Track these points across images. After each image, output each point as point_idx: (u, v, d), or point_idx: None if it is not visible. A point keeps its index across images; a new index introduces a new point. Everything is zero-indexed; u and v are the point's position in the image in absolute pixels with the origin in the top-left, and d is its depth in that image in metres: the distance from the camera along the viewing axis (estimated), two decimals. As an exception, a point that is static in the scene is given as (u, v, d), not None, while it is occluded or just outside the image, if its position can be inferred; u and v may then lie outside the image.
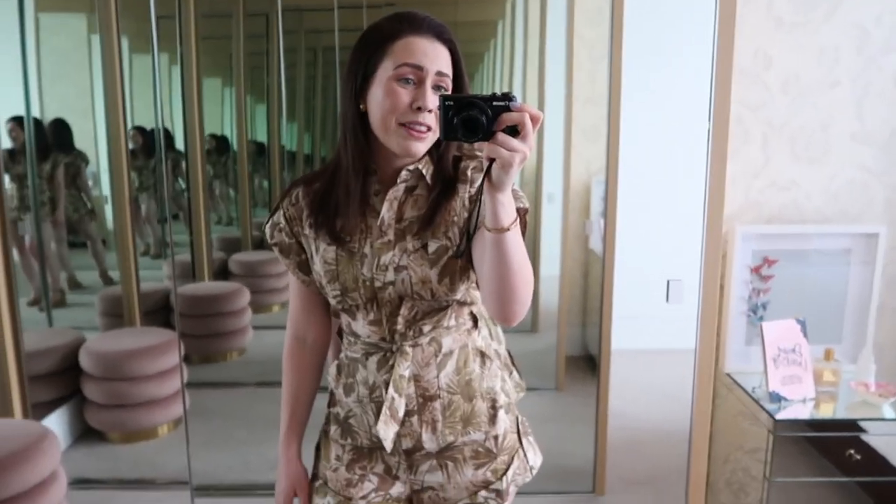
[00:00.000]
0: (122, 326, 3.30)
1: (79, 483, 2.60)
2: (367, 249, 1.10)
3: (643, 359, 3.19)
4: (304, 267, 1.19)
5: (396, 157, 1.08)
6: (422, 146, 1.05)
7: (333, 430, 1.22)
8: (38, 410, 2.63)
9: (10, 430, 2.08)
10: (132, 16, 3.39)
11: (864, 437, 1.89)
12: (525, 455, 1.20)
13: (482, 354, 1.17)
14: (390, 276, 1.09)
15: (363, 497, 1.18)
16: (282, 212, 1.18)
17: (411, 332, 1.12)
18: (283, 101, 3.65)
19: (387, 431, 1.11)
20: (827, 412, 1.87)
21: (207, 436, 2.91)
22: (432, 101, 1.03)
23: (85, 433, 2.96)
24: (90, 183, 3.50)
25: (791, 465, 1.88)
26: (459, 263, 1.08)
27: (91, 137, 3.44)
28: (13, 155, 3.17)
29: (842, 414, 1.87)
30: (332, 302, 1.16)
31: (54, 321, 3.41)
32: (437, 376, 1.13)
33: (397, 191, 1.10)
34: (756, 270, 2.03)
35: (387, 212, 1.09)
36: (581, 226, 3.66)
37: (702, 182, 2.54)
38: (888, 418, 1.84)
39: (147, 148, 3.70)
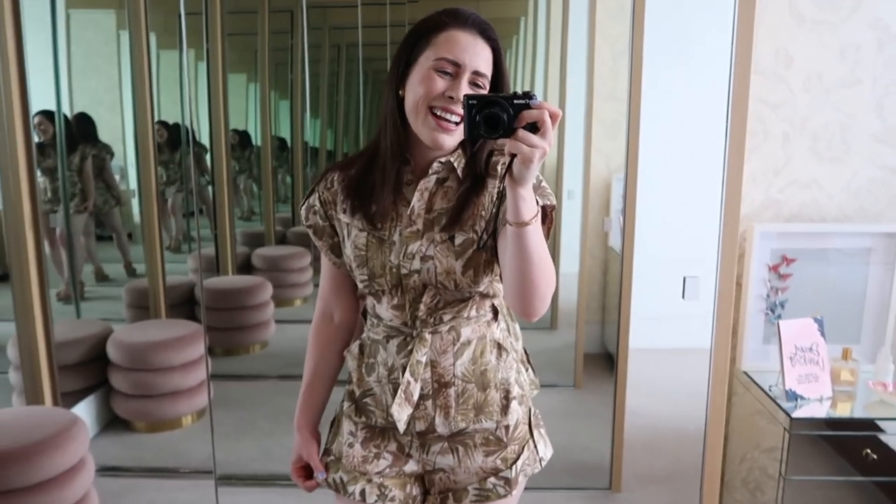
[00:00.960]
0: (148, 318, 3.37)
1: (105, 470, 2.67)
2: (395, 237, 1.13)
3: (661, 357, 3.19)
4: (337, 249, 1.23)
5: (429, 149, 1.11)
6: (449, 139, 1.08)
7: (347, 406, 1.27)
8: (66, 399, 2.69)
9: (41, 416, 2.14)
10: (160, 12, 3.44)
11: (881, 436, 1.88)
12: (535, 446, 1.23)
13: (499, 346, 1.20)
14: (416, 264, 1.12)
15: (378, 473, 1.22)
16: (317, 195, 1.22)
17: (432, 320, 1.15)
18: (307, 97, 3.69)
19: (401, 413, 1.15)
20: (844, 411, 1.87)
21: (230, 427, 2.97)
22: (465, 92, 1.05)
23: (112, 422, 3.02)
24: (117, 177, 3.57)
25: (807, 464, 1.88)
26: (484, 256, 1.12)
27: (119, 131, 3.50)
28: (42, 148, 3.24)
29: (859, 413, 1.87)
30: (360, 285, 1.20)
31: (80, 313, 3.49)
32: (454, 364, 1.16)
33: (429, 181, 1.14)
34: (774, 269, 2.03)
35: (417, 201, 1.13)
36: (600, 223, 3.65)
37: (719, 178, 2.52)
38: (906, 418, 1.84)
39: (172, 142, 3.75)
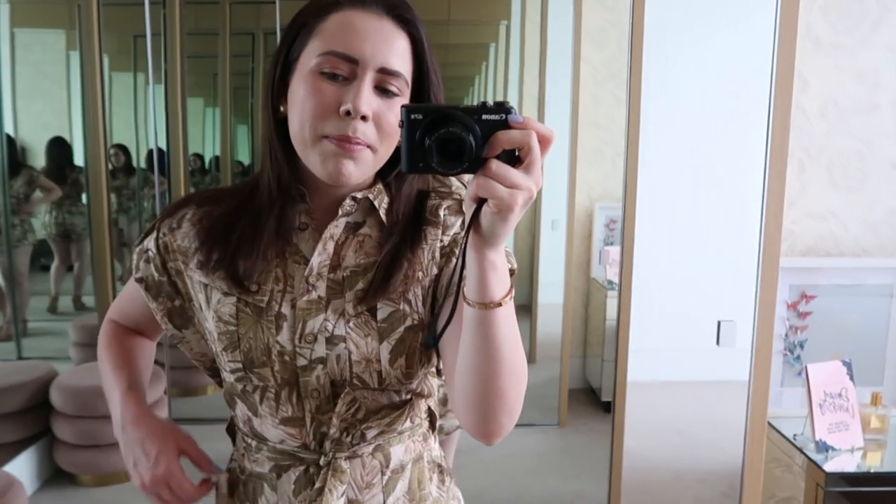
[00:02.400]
0: (97, 358, 3.09)
1: (47, 533, 2.38)
2: (285, 308, 0.78)
3: (644, 390, 3.05)
4: (179, 317, 0.86)
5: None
6: (355, 169, 0.73)
7: None
8: (3, 452, 2.43)
9: (-29, 480, 1.87)
10: (113, 32, 3.26)
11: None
12: None
13: (440, 469, 0.89)
14: (320, 350, 0.77)
15: None
16: (155, 235, 0.85)
17: (349, 439, 0.79)
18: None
19: None
20: (874, 462, 1.73)
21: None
22: (368, 102, 0.72)
23: (54, 475, 2.73)
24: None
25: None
26: (420, 338, 0.79)
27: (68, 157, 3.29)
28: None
29: (891, 464, 1.73)
30: (229, 378, 0.81)
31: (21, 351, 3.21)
32: (384, 503, 0.82)
33: (336, 227, 0.79)
34: (793, 306, 1.90)
35: (318, 255, 0.78)
36: (582, 253, 3.54)
37: (721, 207, 2.42)
38: (944, 469, 1.71)
39: (127, 167, 3.55)
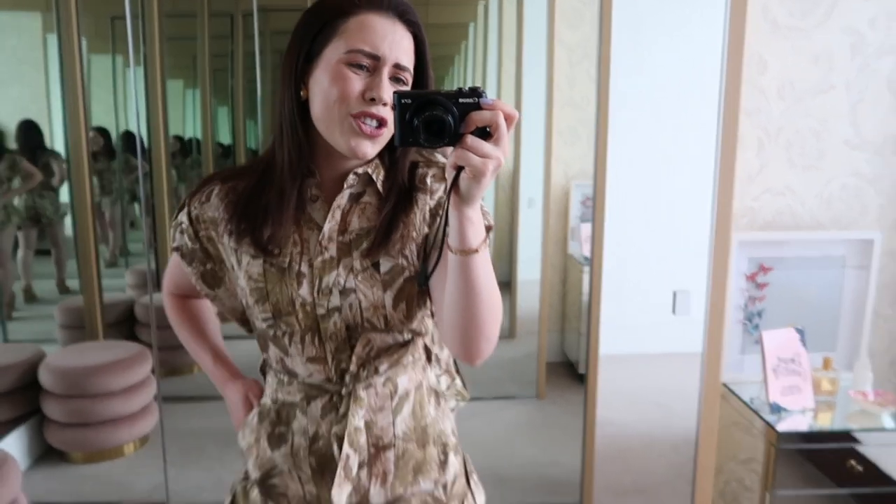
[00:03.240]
0: (84, 339, 3.14)
1: (40, 508, 2.45)
2: (304, 268, 0.95)
3: (622, 363, 3.15)
4: (210, 278, 1.04)
5: (341, 159, 0.94)
6: (372, 148, 0.90)
7: (255, 495, 1.05)
8: (-6, 431, 2.47)
9: (-34, 456, 1.93)
10: (91, 14, 3.25)
11: (859, 447, 1.86)
12: (474, 498, 1.09)
13: (436, 394, 1.06)
14: (335, 300, 0.94)
15: None
16: (186, 210, 1.01)
17: (365, 373, 0.97)
18: (256, 103, 3.54)
19: (341, 496, 0.95)
20: (825, 422, 1.84)
21: (176, 454, 2.77)
22: (389, 92, 0.88)
23: (45, 454, 2.79)
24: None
25: (785, 477, 1.85)
26: (416, 286, 0.96)
27: (48, 142, 3.29)
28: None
29: (840, 423, 1.84)
30: (261, 326, 0.99)
31: (7, 335, 3.24)
32: (393, 422, 0.99)
33: (342, 198, 0.95)
34: (752, 278, 2.00)
35: (329, 222, 0.94)
36: (559, 231, 3.61)
37: (688, 185, 2.50)
38: (889, 428, 1.81)
39: (108, 150, 3.56)
